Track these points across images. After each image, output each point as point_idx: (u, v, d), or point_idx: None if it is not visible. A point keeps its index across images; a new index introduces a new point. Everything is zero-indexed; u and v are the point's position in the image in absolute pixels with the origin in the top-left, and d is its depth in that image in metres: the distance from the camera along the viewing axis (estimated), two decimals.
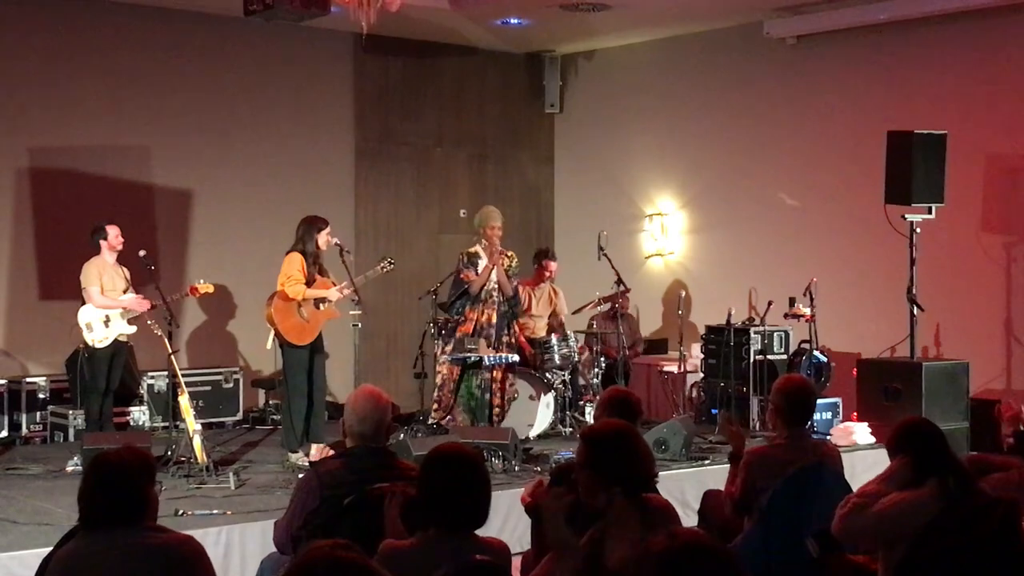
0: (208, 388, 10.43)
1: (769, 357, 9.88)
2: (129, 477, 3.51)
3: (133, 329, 8.61)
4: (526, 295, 10.16)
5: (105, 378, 8.52)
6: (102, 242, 8.56)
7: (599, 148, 12.78)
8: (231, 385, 10.65)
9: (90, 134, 10.46)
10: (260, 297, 10.52)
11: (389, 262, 8.91)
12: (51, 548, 3.68)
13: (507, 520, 6.57)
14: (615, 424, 4.11)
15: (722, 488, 5.53)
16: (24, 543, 5.95)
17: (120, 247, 8.60)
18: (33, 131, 10.21)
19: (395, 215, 12.28)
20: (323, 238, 8.41)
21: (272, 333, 8.41)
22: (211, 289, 8.94)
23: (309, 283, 8.32)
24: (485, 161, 12.91)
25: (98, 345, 8.43)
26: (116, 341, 8.52)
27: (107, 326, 8.46)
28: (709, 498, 5.71)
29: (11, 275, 10.20)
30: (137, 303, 8.51)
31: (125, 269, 8.67)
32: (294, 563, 2.37)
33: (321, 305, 8.39)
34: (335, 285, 8.46)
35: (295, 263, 8.31)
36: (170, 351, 8.01)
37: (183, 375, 8.34)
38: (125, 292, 8.59)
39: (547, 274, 10.27)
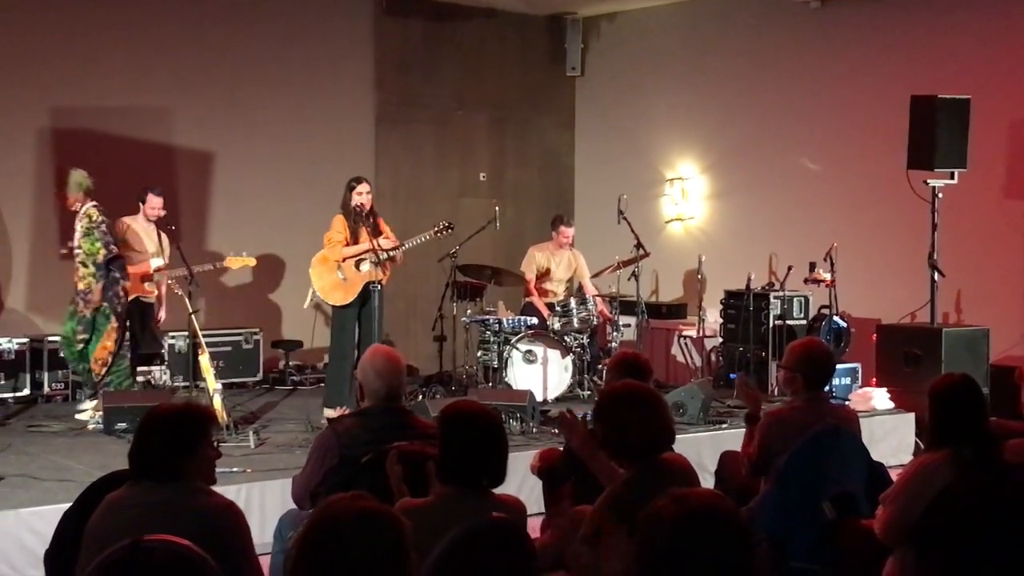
0: (228, 349, 10.48)
1: (788, 322, 9.87)
2: (181, 433, 3.49)
3: (153, 290, 8.65)
4: (544, 259, 10.17)
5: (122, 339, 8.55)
6: (140, 204, 8.72)
7: (620, 112, 12.72)
8: (251, 346, 10.70)
9: (111, 94, 10.47)
10: (280, 258, 10.57)
11: (445, 226, 8.83)
12: (92, 482, 3.78)
13: (524, 482, 6.59)
14: (631, 384, 4.12)
15: (739, 450, 5.54)
16: (45, 499, 6.01)
17: (154, 217, 8.70)
18: (55, 91, 10.22)
19: (415, 178, 12.26)
20: (355, 195, 8.45)
21: (311, 292, 8.50)
22: (253, 262, 8.96)
23: (354, 242, 8.40)
24: (505, 124, 12.87)
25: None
26: (138, 301, 8.56)
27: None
28: (726, 459, 5.72)
29: (32, 235, 10.25)
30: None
31: (164, 235, 8.73)
32: (315, 516, 2.38)
33: (361, 266, 8.40)
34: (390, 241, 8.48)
35: (336, 224, 8.50)
36: (191, 311, 8.06)
37: (203, 335, 8.38)
38: (155, 256, 8.63)
39: (563, 240, 10.25)
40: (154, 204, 8.69)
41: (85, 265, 8.04)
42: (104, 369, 8.13)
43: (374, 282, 8.39)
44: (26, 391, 9.55)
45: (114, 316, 8.11)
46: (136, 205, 8.80)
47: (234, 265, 8.91)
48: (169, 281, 8.54)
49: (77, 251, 8.11)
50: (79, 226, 8.10)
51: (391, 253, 8.49)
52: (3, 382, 9.46)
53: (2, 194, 10.12)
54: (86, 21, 10.37)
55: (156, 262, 8.61)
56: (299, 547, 2.33)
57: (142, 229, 8.71)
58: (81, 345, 8.10)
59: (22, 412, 8.91)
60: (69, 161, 10.26)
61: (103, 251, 8.06)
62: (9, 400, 9.38)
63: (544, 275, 10.23)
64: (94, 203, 8.15)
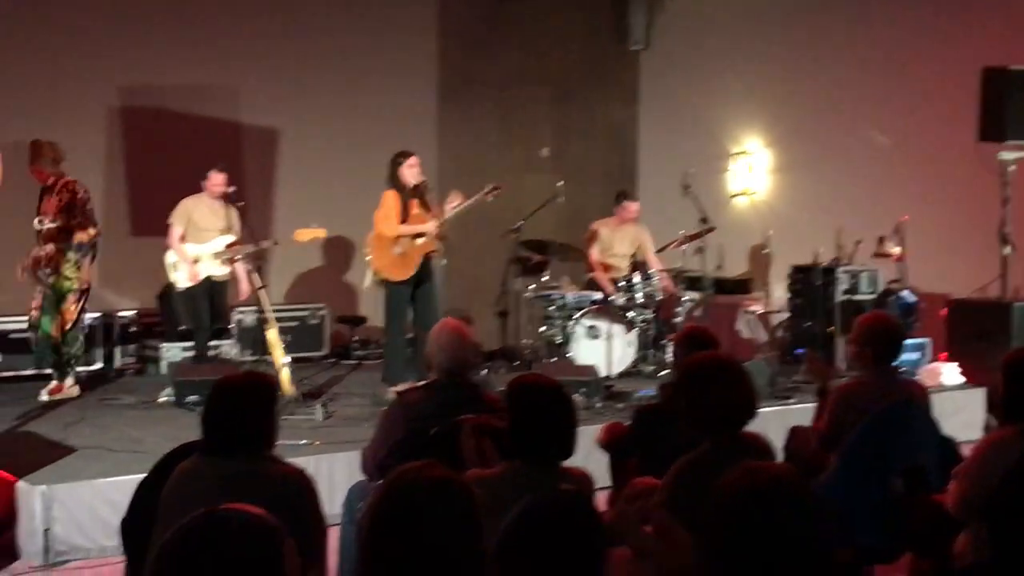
0: (295, 324, 10.58)
1: (856, 297, 9.76)
2: (248, 404, 3.54)
3: (225, 270, 8.65)
4: (608, 235, 10.14)
5: (201, 316, 8.64)
6: (203, 182, 8.65)
7: (685, 86, 12.61)
8: (317, 321, 10.80)
9: (178, 74, 10.58)
10: (345, 235, 10.62)
11: (492, 188, 8.72)
12: (166, 453, 3.85)
13: (588, 457, 6.58)
14: (714, 357, 4.09)
15: (807, 425, 5.50)
16: (119, 470, 6.11)
17: (218, 194, 8.58)
18: (123, 70, 10.35)
19: (477, 154, 12.26)
20: (406, 171, 8.38)
21: (370, 271, 8.45)
22: (323, 233, 8.80)
23: (406, 219, 8.32)
24: (568, 100, 12.82)
25: (181, 286, 8.57)
26: (209, 280, 8.61)
27: (196, 267, 8.57)
28: (795, 434, 5.66)
29: (103, 212, 10.35)
30: (189, 269, 8.56)
31: (233, 211, 8.58)
32: (388, 484, 2.38)
33: (419, 239, 8.38)
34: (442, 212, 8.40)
35: (388, 201, 8.33)
36: (258, 286, 8.12)
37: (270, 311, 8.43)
38: (224, 233, 8.61)
39: (627, 215, 10.19)
40: (216, 181, 8.59)
41: (53, 240, 8.04)
42: (60, 335, 8.19)
43: (432, 253, 8.38)
44: (99, 365, 9.73)
45: (78, 293, 8.16)
46: (199, 184, 8.77)
47: (304, 237, 8.71)
48: (237, 257, 8.57)
49: (50, 225, 8.06)
50: (55, 199, 8.07)
51: (446, 217, 8.44)
52: None
53: (73, 172, 10.22)
54: (154, 2, 10.47)
55: (225, 239, 8.61)
56: (371, 514, 2.35)
57: (207, 207, 8.65)
58: (34, 312, 8.19)
59: (95, 386, 9.06)
60: (137, 140, 10.45)
61: (91, 230, 8.11)
62: (82, 374, 9.54)
63: (607, 250, 10.20)
64: (74, 179, 8.18)
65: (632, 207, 10.17)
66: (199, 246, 8.55)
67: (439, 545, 2.28)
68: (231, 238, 8.59)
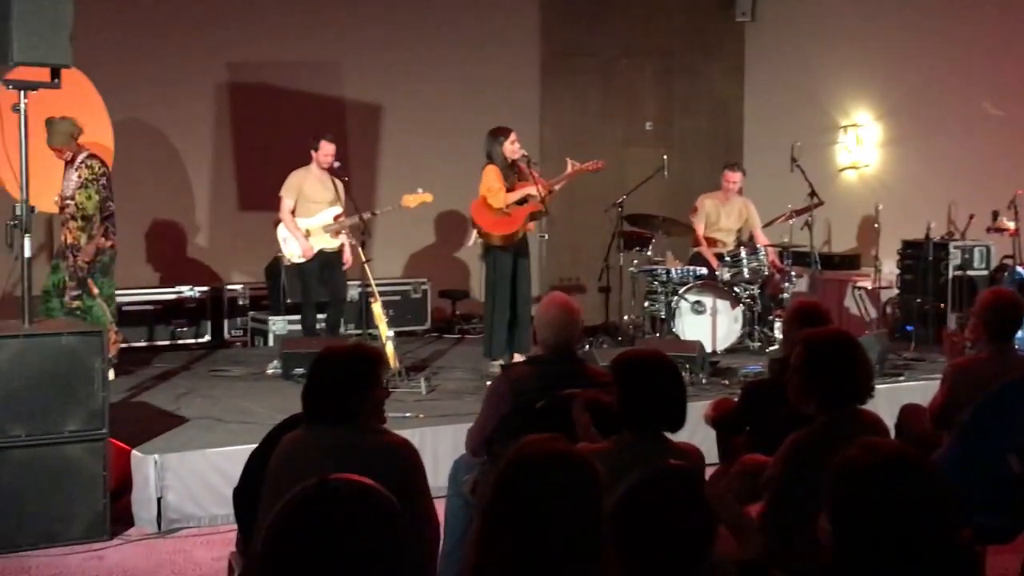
0: (397, 298, 10.65)
1: (969, 273, 9.52)
2: (350, 376, 3.53)
3: (336, 243, 8.54)
4: (714, 208, 10.01)
5: (310, 291, 8.58)
6: (313, 152, 8.47)
7: (792, 57, 12.39)
8: (419, 295, 10.86)
9: (284, 50, 10.69)
10: (447, 208, 10.65)
11: (594, 162, 8.66)
12: (276, 424, 3.91)
13: (694, 433, 6.52)
14: (838, 332, 4.02)
15: (919, 403, 5.38)
16: (229, 440, 6.23)
17: (327, 165, 8.43)
18: (230, 47, 10.49)
19: (581, 128, 12.19)
20: (507, 146, 8.34)
21: (475, 231, 8.43)
22: (429, 198, 8.65)
23: (510, 191, 8.27)
24: (672, 72, 12.68)
25: (294, 260, 8.57)
26: (323, 253, 8.59)
27: (309, 240, 8.55)
28: (907, 412, 5.55)
29: (212, 187, 10.60)
30: (301, 243, 8.45)
31: (339, 183, 8.49)
32: (512, 456, 2.37)
33: (525, 202, 8.33)
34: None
35: (491, 175, 8.29)
36: (363, 260, 8.14)
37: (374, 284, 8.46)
38: (332, 205, 8.52)
39: (727, 185, 10.02)
40: (327, 151, 8.41)
41: (74, 219, 7.62)
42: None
43: (538, 213, 8.32)
44: (207, 337, 9.92)
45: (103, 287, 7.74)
46: (308, 156, 8.70)
47: (411, 203, 8.62)
48: (341, 232, 8.57)
49: (68, 202, 7.64)
50: (74, 177, 7.63)
51: (555, 188, 8.39)
52: (185, 329, 9.85)
53: (183, 148, 10.46)
54: None
55: (333, 211, 8.55)
56: (495, 487, 2.34)
57: (317, 179, 8.51)
58: (76, 302, 7.63)
59: (204, 357, 9.24)
60: (244, 115, 10.59)
61: (100, 207, 7.64)
62: (191, 346, 9.75)
63: (713, 224, 10.07)
64: (92, 153, 7.74)
65: (733, 177, 9.97)
66: (308, 219, 8.53)
67: (564, 516, 2.27)
68: (339, 210, 8.58)
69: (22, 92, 5.76)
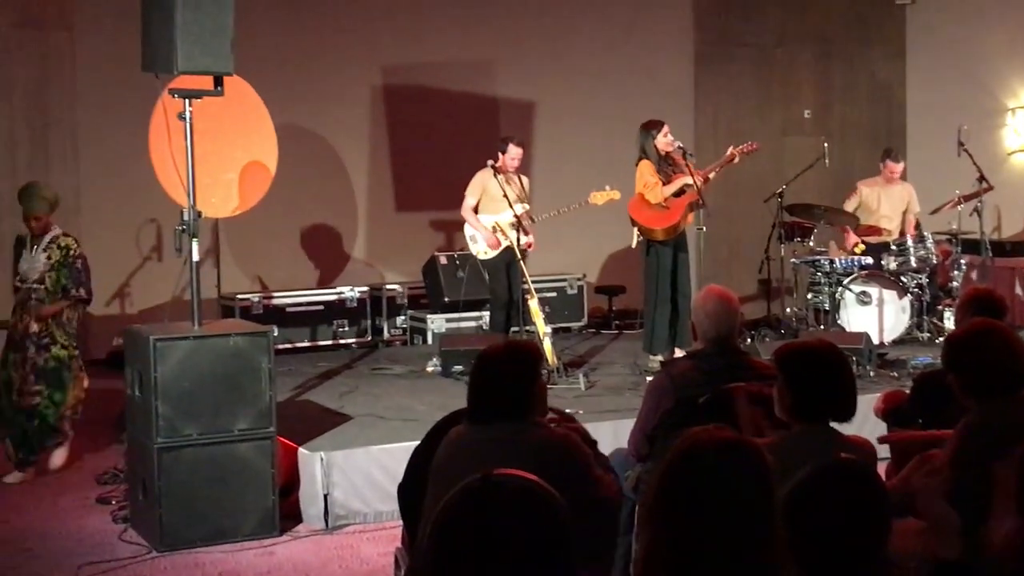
0: (553, 295, 10.64)
1: None
2: (510, 375, 3.59)
3: (524, 239, 8.32)
4: (873, 196, 9.70)
5: (495, 291, 8.53)
6: (500, 155, 8.43)
7: (955, 39, 11.97)
8: (575, 291, 10.83)
9: (437, 51, 10.80)
10: (600, 205, 10.60)
11: (749, 144, 8.48)
12: (438, 421, 3.95)
13: (862, 427, 6.34)
14: (981, 322, 3.86)
15: None
16: (392, 437, 6.29)
17: (513, 168, 8.41)
18: (385, 50, 10.66)
19: (736, 119, 12.00)
20: (660, 140, 8.23)
21: (636, 231, 8.33)
22: (617, 195, 8.59)
23: (665, 183, 8.17)
24: (830, 59, 12.39)
25: (482, 257, 8.59)
26: (510, 250, 8.52)
27: (496, 234, 8.50)
28: None
29: (369, 188, 10.77)
30: (487, 237, 8.42)
31: (524, 179, 8.52)
32: (680, 447, 2.32)
33: (683, 194, 8.21)
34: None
35: (646, 170, 8.20)
36: (519, 257, 8.13)
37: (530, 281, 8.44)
38: (518, 202, 8.32)
39: (889, 174, 9.71)
40: (514, 154, 8.42)
41: (42, 302, 6.83)
42: (73, 416, 6.97)
43: (696, 203, 8.17)
44: (368, 336, 10.08)
45: (78, 361, 6.99)
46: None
47: (599, 201, 8.52)
48: (498, 232, 8.52)
49: (36, 287, 6.85)
50: (41, 257, 6.84)
51: (710, 176, 8.26)
52: (347, 328, 10.03)
53: (341, 150, 10.66)
54: None
55: (518, 208, 8.26)
56: (663, 480, 2.29)
57: (502, 178, 8.32)
58: (42, 400, 6.80)
59: (365, 356, 9.39)
60: (399, 117, 10.72)
61: (79, 291, 6.90)
62: (352, 345, 9.93)
63: (873, 212, 9.76)
64: (64, 232, 6.98)
65: (895, 167, 9.66)
66: (494, 216, 8.50)
67: (737, 507, 2.21)
68: (526, 206, 8.45)
69: (187, 100, 5.92)
